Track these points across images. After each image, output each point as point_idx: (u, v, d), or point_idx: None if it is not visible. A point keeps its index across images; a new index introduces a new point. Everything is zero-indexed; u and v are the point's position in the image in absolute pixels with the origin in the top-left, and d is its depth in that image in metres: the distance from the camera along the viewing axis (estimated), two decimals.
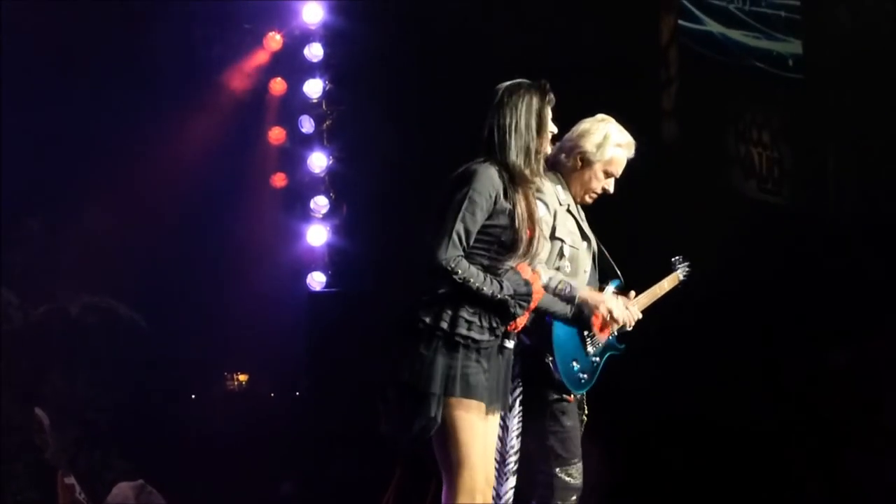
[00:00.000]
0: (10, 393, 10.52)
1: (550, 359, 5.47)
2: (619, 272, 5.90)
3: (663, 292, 6.17)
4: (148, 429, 11.28)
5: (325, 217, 11.65)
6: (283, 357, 11.95)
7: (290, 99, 11.77)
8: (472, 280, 4.58)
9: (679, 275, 6.31)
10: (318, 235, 11.64)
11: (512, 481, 5.32)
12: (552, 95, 5.11)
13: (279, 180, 11.89)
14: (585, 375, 5.61)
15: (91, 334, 11.15)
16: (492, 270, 4.70)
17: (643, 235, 9.07)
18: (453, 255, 4.57)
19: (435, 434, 4.62)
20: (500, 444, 5.22)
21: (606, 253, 5.93)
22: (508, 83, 5.11)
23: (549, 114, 5.08)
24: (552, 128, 5.17)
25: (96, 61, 10.74)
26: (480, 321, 4.62)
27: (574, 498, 5.54)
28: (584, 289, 5.50)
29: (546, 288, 5.19)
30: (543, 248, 5.07)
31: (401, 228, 10.84)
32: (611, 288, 5.82)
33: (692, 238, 9.32)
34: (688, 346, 9.25)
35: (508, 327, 4.75)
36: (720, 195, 10.01)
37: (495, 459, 5.12)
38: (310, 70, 11.58)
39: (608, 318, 5.43)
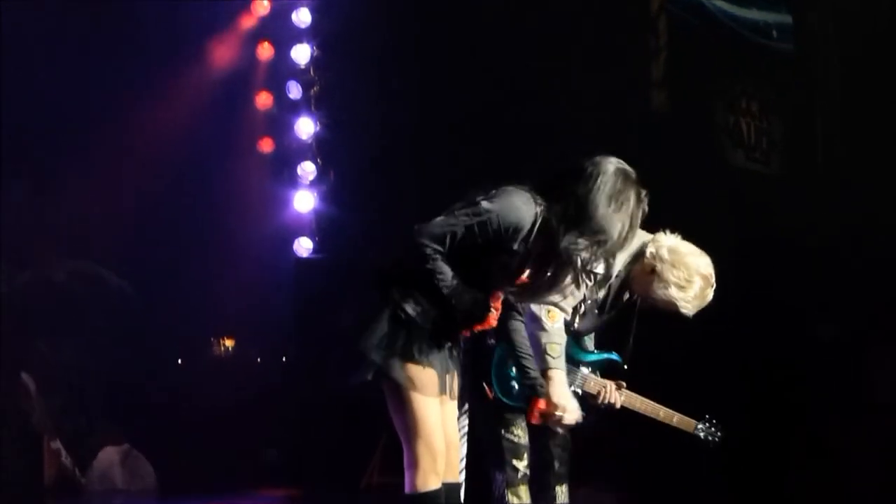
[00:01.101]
0: None
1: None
2: (626, 355, 5.64)
3: (666, 420, 5.83)
4: (134, 394, 11.27)
5: (313, 183, 11.62)
6: (271, 323, 11.95)
7: (278, 64, 11.73)
8: (440, 277, 4.46)
9: (698, 428, 5.94)
10: (305, 201, 11.62)
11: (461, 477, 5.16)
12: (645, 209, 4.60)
13: (266, 146, 11.86)
14: (517, 386, 5.41)
15: (77, 300, 11.12)
16: (463, 279, 4.57)
17: None
18: (436, 248, 4.47)
19: (389, 404, 4.57)
20: None
21: (631, 335, 5.61)
22: (622, 169, 4.56)
23: (632, 234, 4.57)
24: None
25: (84, 26, 10.68)
26: (430, 307, 4.52)
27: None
28: (556, 379, 5.04)
29: (546, 331, 4.97)
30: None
31: (388, 195, 10.85)
32: (598, 357, 5.64)
33: (679, 207, 9.34)
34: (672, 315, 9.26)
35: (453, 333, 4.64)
36: (708, 165, 10.00)
37: None
38: (297, 35, 11.54)
39: (552, 412, 4.94)
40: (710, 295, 5.39)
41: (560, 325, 5.07)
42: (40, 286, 10.75)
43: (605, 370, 5.68)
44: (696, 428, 5.83)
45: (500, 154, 9.89)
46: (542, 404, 4.84)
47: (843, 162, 9.80)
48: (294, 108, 11.66)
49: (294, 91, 11.61)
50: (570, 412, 4.89)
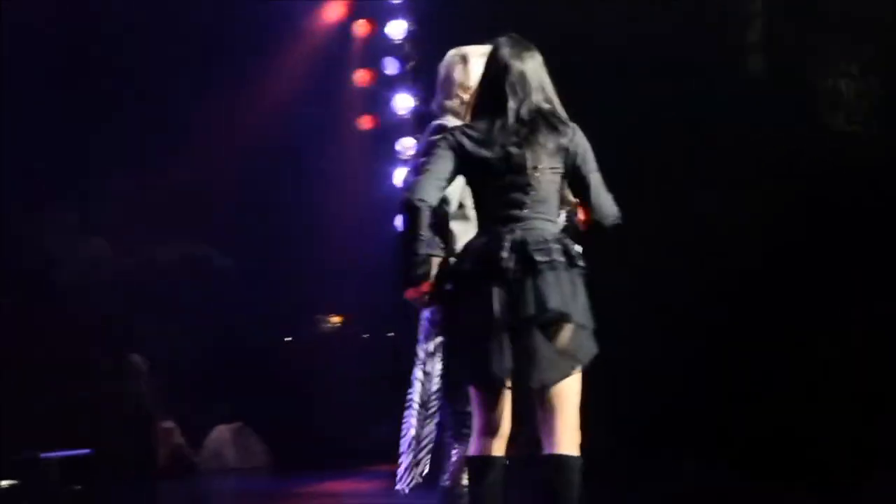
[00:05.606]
0: (102, 343, 10.68)
1: None
2: None
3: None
4: (243, 372, 11.42)
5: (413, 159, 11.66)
6: (376, 299, 12.02)
7: (375, 40, 11.78)
8: None
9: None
10: (405, 177, 11.66)
11: (433, 425, 5.16)
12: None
13: (366, 122, 11.92)
14: None
15: (182, 281, 11.29)
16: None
17: (727, 167, 9.03)
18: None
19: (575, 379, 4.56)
20: (420, 389, 5.12)
21: None
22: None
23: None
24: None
25: (178, 4, 10.83)
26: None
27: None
28: None
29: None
30: None
31: None
32: None
33: (778, 172, 9.25)
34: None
35: None
36: (807, 129, 9.84)
37: (417, 403, 5.11)
38: (392, 11, 11.56)
39: None
40: None
41: None
42: (145, 269, 10.92)
43: None
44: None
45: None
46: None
47: None
48: (392, 84, 11.70)
49: (391, 67, 11.64)
50: None
